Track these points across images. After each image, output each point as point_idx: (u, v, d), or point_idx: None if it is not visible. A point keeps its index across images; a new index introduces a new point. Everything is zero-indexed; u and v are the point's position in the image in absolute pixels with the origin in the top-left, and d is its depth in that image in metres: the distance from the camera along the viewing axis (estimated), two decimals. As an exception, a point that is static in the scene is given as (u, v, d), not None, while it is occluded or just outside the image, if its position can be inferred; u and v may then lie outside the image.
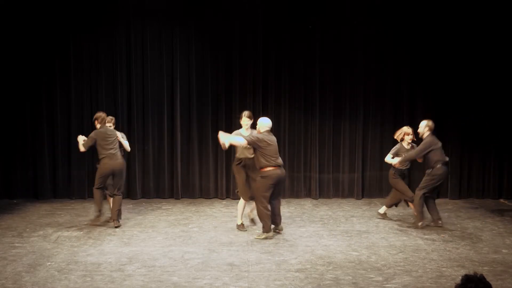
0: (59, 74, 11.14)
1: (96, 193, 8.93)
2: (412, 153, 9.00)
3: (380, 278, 6.57)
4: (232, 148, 9.82)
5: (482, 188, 11.55)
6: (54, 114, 11.17)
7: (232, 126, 10.94)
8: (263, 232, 8.20)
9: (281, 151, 11.38)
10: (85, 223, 9.14)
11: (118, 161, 8.90)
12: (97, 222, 9.00)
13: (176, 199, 11.31)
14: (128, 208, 10.30)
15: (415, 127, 9.27)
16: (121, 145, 9.16)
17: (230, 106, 11.30)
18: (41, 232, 8.66)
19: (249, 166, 8.48)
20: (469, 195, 11.52)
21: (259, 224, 8.48)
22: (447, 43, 11.23)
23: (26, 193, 11.22)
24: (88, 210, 10.25)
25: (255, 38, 11.31)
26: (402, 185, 9.13)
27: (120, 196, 8.99)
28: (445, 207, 10.61)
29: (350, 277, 6.60)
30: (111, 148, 8.83)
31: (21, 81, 11.08)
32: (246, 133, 8.50)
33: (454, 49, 11.26)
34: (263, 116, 11.33)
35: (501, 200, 11.40)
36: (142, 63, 11.26)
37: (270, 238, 8.16)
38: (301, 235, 8.53)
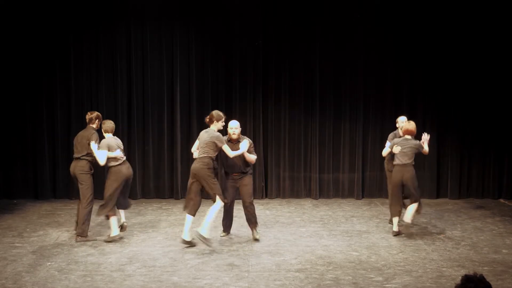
0: (59, 74, 11.15)
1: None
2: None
3: (380, 278, 6.57)
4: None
5: (482, 188, 11.54)
6: (54, 114, 11.18)
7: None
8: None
9: (282, 151, 11.45)
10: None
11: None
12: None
13: (176, 199, 11.31)
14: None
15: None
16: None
17: (230, 106, 11.28)
18: (41, 232, 8.66)
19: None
20: (469, 195, 11.52)
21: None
22: (447, 43, 11.23)
23: (26, 193, 11.23)
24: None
25: (255, 38, 11.30)
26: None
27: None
28: (445, 207, 10.62)
29: (350, 277, 6.60)
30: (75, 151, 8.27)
31: (21, 81, 11.09)
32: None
33: (455, 49, 11.25)
34: (263, 116, 11.43)
35: (501, 200, 11.39)
36: (142, 63, 11.26)
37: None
38: (301, 235, 8.54)
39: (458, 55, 11.26)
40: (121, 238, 8.18)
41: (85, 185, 8.10)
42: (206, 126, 11.21)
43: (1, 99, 11.10)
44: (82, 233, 8.10)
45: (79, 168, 8.12)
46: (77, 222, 8.26)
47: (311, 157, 11.48)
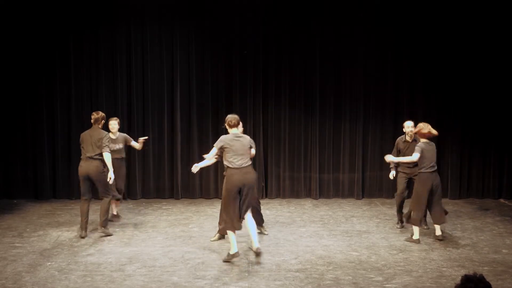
0: (59, 74, 11.15)
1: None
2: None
3: (380, 278, 6.57)
4: None
5: (482, 188, 11.55)
6: (54, 114, 11.18)
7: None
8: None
9: (282, 151, 11.45)
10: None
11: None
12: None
13: (176, 199, 11.31)
14: (128, 208, 10.32)
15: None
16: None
17: (230, 106, 11.28)
18: (41, 232, 8.66)
19: None
20: (469, 195, 11.52)
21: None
22: (447, 43, 11.23)
23: (26, 193, 11.23)
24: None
25: (255, 38, 11.30)
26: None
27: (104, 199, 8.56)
28: (445, 207, 10.57)
29: (350, 277, 6.60)
30: (85, 151, 8.36)
31: (21, 81, 11.09)
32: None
33: (455, 49, 11.25)
34: (263, 116, 11.43)
35: (501, 200, 11.40)
36: (142, 63, 11.27)
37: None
38: (301, 235, 8.54)
39: (458, 55, 11.26)
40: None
41: (104, 182, 8.37)
42: (206, 126, 11.34)
43: (1, 99, 11.10)
44: (105, 225, 8.48)
45: (94, 168, 8.28)
46: (85, 222, 8.41)
47: (311, 157, 11.49)
